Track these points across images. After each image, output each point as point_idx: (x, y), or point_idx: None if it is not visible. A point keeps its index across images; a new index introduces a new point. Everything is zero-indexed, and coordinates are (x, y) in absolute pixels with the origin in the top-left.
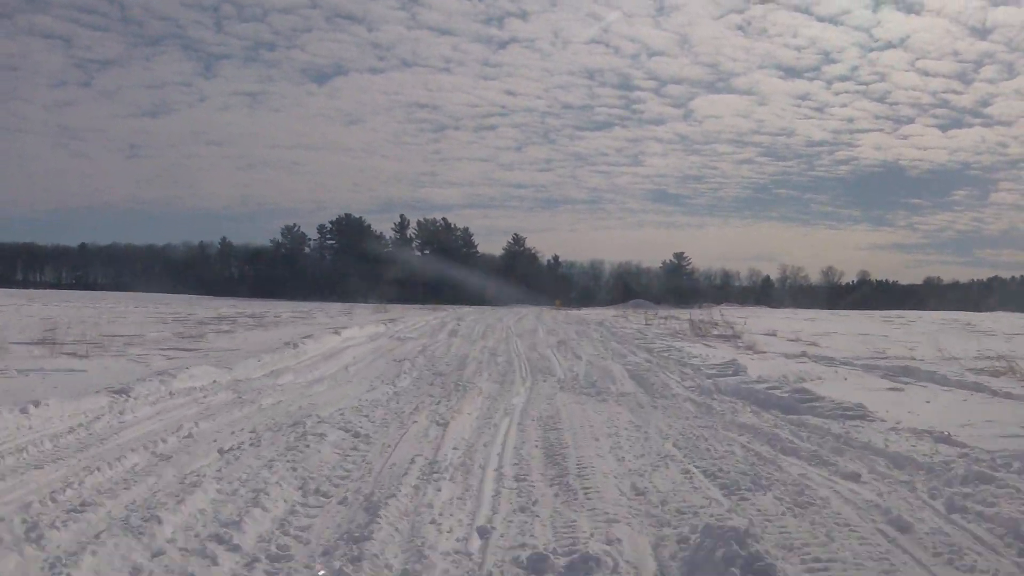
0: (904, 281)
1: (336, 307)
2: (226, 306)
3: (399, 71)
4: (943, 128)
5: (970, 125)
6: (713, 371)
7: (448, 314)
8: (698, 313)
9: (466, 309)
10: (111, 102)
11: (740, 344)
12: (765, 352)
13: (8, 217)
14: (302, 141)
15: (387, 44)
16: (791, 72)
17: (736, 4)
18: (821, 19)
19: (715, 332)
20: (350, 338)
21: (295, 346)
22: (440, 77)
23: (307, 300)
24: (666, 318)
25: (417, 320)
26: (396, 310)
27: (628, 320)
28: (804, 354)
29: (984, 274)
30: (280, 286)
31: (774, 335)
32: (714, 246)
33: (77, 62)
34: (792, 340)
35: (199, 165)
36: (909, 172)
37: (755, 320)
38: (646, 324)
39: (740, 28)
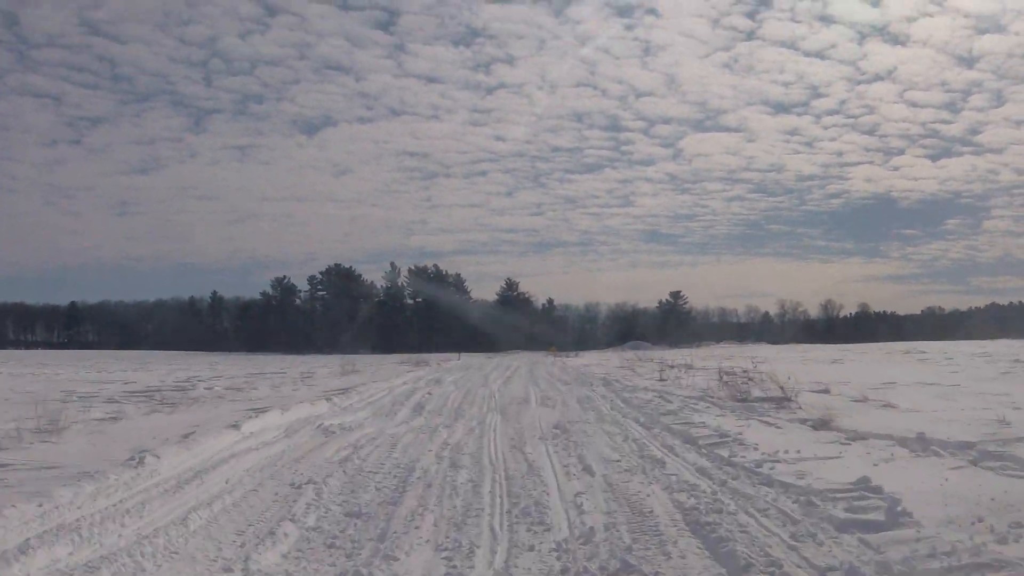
0: (901, 311)
1: (300, 366)
2: (197, 366)
3: (387, 120)
4: (933, 158)
5: (960, 154)
6: (841, 509)
7: (428, 372)
8: (716, 355)
9: (452, 363)
10: (101, 159)
11: (803, 414)
12: (865, 437)
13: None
14: (292, 193)
15: (375, 94)
16: (779, 108)
17: (722, 42)
18: (808, 54)
19: (756, 392)
20: (255, 432)
21: (139, 463)
22: (429, 125)
23: (300, 353)
24: (685, 368)
25: (380, 387)
26: (368, 369)
27: (637, 374)
28: (924, 439)
29: (980, 302)
30: (271, 339)
31: (827, 391)
32: (708, 284)
33: (67, 120)
34: (859, 400)
35: (190, 220)
36: (901, 203)
37: (776, 363)
38: (661, 379)
39: (727, 66)
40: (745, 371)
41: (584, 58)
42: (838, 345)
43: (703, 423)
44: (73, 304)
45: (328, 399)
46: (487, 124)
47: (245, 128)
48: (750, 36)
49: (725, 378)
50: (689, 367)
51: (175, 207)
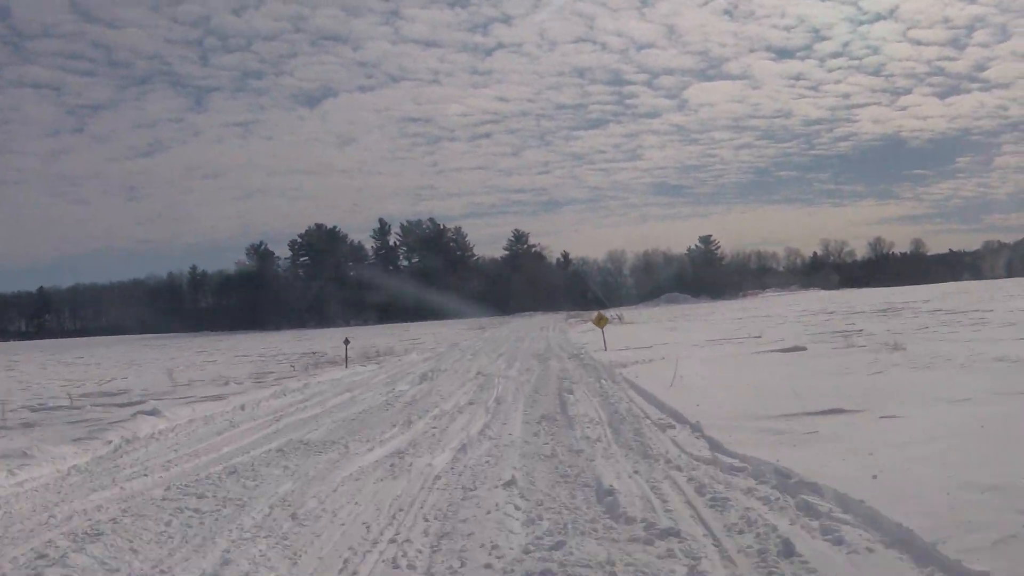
0: (930, 252)
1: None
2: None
3: (388, 87)
4: (941, 96)
5: (967, 91)
6: None
7: (376, 374)
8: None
9: (439, 347)
10: (105, 146)
11: None
12: None
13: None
14: (298, 166)
15: (373, 61)
16: (782, 53)
17: None
18: None
19: None
20: None
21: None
22: (430, 89)
23: (279, 329)
24: None
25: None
26: (281, 374)
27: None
28: None
29: (995, 239)
30: (249, 314)
31: None
32: (727, 233)
33: (68, 109)
34: None
35: (198, 200)
36: (910, 143)
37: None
38: None
39: (727, 13)
40: None
41: (581, 13)
42: (909, 287)
43: None
44: (42, 289)
45: None
46: (488, 85)
47: (246, 104)
48: None
49: None
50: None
51: (182, 187)
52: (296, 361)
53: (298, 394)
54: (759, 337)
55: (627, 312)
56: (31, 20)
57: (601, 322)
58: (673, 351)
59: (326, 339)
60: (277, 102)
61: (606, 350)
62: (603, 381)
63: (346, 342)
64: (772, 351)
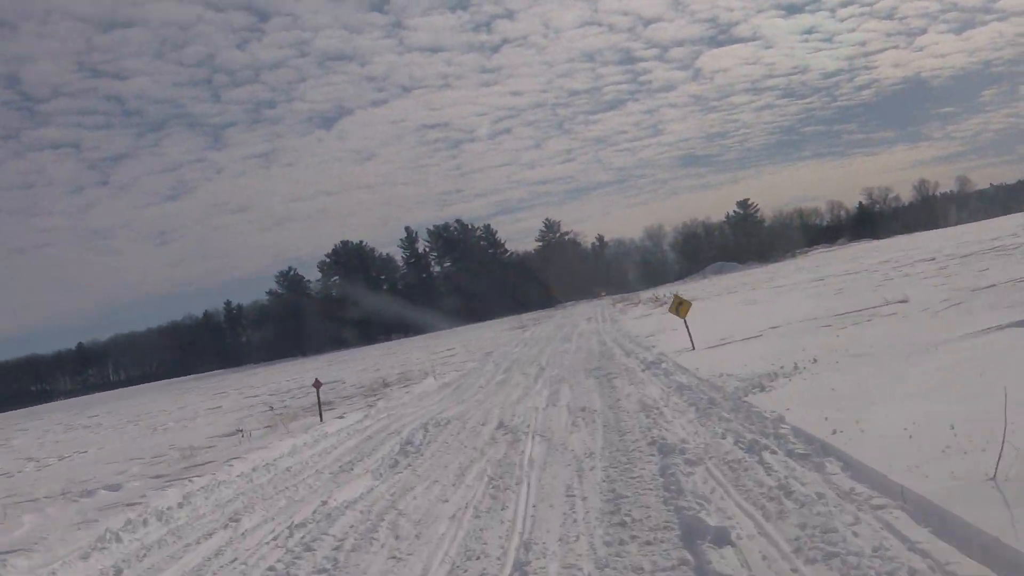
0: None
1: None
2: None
3: (401, 98)
4: (957, 31)
5: (984, 23)
6: None
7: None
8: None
9: (469, 361)
10: (131, 194)
11: None
12: None
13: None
14: (322, 188)
15: (382, 75)
16: (791, 9)
17: None
18: None
19: None
20: None
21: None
22: (442, 94)
23: (319, 352)
24: None
25: None
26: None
27: None
28: None
29: None
30: (288, 342)
31: None
32: (759, 195)
33: (90, 164)
34: None
35: (227, 235)
36: (933, 83)
37: None
38: None
39: None
40: None
41: None
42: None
43: None
44: (81, 345)
45: None
46: (499, 82)
47: (263, 134)
48: None
49: None
50: None
51: (212, 225)
52: (269, 412)
53: (150, 531)
54: (904, 302)
55: (679, 288)
56: (40, 83)
57: (683, 309)
58: (800, 343)
59: (357, 361)
60: (293, 128)
61: (694, 349)
62: (766, 454)
63: (316, 385)
64: (984, 331)
